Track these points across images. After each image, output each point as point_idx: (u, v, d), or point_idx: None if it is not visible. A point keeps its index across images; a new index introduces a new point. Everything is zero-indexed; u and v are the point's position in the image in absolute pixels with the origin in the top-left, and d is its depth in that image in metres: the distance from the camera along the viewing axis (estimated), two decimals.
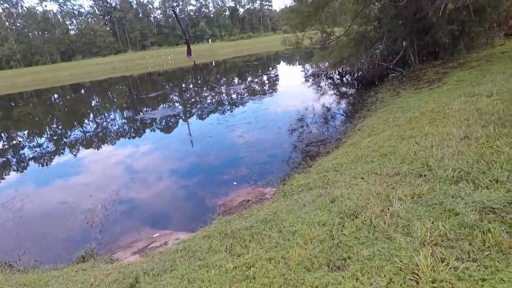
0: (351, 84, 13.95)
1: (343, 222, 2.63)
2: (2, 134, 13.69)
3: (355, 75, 13.75)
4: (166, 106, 15.05)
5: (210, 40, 75.93)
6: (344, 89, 13.71)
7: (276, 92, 14.90)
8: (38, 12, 67.55)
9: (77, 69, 47.22)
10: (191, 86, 22.15)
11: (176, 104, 15.34)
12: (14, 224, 5.26)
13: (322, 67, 16.10)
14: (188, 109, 13.73)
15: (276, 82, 18.31)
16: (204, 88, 20.03)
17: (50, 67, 54.83)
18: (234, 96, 15.03)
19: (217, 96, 15.93)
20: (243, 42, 68.77)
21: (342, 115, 9.26)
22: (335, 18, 12.22)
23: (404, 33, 10.27)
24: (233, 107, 12.49)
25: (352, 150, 4.96)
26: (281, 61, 31.52)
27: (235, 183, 5.55)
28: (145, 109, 15.06)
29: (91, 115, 16.00)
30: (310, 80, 16.16)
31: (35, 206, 5.88)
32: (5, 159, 9.58)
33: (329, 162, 4.80)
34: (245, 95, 14.75)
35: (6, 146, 11.36)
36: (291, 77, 19.01)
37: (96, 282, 2.71)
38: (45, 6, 72.41)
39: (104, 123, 13.53)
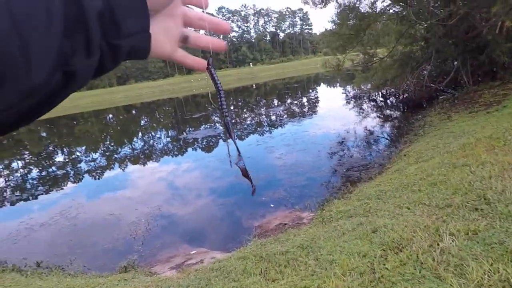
0: (396, 106, 13.39)
1: (385, 254, 2.46)
2: (65, 149, 15.22)
3: (400, 97, 13.18)
4: (208, 126, 15.67)
5: (251, 63, 78.81)
6: (388, 111, 13.19)
7: (316, 114, 14.80)
8: None
9: (130, 92, 51.57)
10: (231, 107, 22.92)
11: (217, 125, 15.90)
12: (69, 231, 5.71)
13: (364, 89, 15.73)
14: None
15: (316, 104, 18.23)
16: (244, 110, 20.57)
17: (107, 90, 60.57)
18: (273, 117, 15.21)
19: (256, 118, 16.24)
20: (284, 65, 70.25)
21: (386, 139, 8.85)
22: (378, 40, 12.00)
23: (455, 53, 9.71)
24: (272, 128, 12.61)
25: (397, 177, 4.69)
26: (321, 83, 31.45)
27: (272, 205, 5.50)
28: (188, 129, 15.82)
29: (140, 134, 17.17)
30: (352, 102, 15.84)
31: (87, 215, 6.35)
32: (65, 171, 10.57)
33: (371, 189, 4.57)
34: (284, 117, 14.84)
35: (67, 160, 12.57)
36: (331, 99, 18.82)
37: None
38: None
39: (151, 141, 14.43)
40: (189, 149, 11.52)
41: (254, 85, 39.06)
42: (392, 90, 13.88)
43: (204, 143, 12.07)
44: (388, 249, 2.52)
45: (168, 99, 36.35)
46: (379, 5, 10.88)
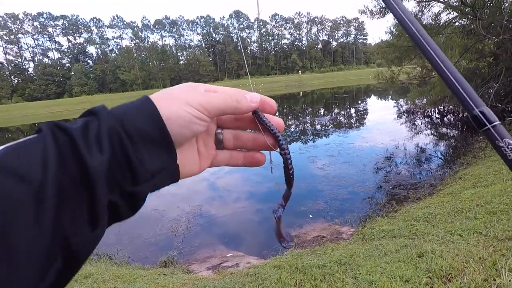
0: (454, 125, 12.37)
1: (431, 283, 2.30)
2: None
3: (460, 115, 12.17)
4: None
5: (300, 71, 78.48)
6: (444, 129, 12.23)
7: (363, 126, 14.26)
8: (158, 45, 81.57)
9: None
10: (276, 114, 23.01)
11: None
12: (115, 223, 6.19)
13: (419, 104, 14.79)
14: None
15: (365, 116, 17.55)
16: (289, 117, 20.55)
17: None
18: (318, 126, 14.98)
19: (301, 126, 16.12)
20: (333, 74, 68.92)
21: (440, 158, 8.22)
22: None
23: None
24: (317, 138, 12.42)
25: (449, 201, 4.34)
26: (372, 95, 30.22)
27: (311, 216, 5.42)
28: None
29: None
30: (404, 116, 14.98)
31: None
32: None
33: (419, 210, 4.29)
34: (330, 126, 14.54)
35: None
36: (381, 112, 17.97)
37: None
38: (164, 40, 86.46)
39: None
40: None
41: (301, 93, 38.88)
42: (451, 107, 12.88)
43: None
44: (435, 277, 2.35)
45: None
46: (444, 17, 10.15)
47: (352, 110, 20.34)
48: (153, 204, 6.88)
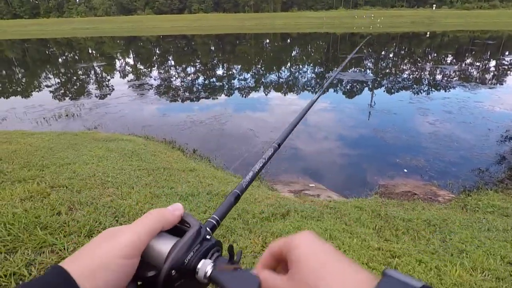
0: None
1: None
2: (225, 64, 17.56)
3: None
4: (357, 70, 14.61)
5: (434, 5, 64.28)
6: None
7: (502, 84, 11.43)
8: None
9: (289, 20, 52.07)
10: (390, 55, 20.23)
11: (368, 71, 14.60)
12: (218, 133, 6.97)
13: None
14: (379, 78, 12.83)
15: (508, 71, 13.92)
16: (405, 61, 17.85)
17: (270, 15, 63.05)
18: (439, 76, 12.69)
19: (417, 72, 13.95)
20: (480, 13, 54.37)
21: None
22: None
23: None
24: (433, 89, 10.66)
25: None
26: None
27: (405, 170, 5.02)
28: (336, 68, 15.20)
29: (288, 64, 17.75)
30: None
31: (233, 124, 7.50)
32: (221, 83, 12.40)
33: None
34: (455, 79, 12.15)
35: (224, 74, 14.58)
36: None
37: (259, 198, 3.31)
38: None
39: (296, 73, 14.78)
40: (331, 90, 11.26)
41: (428, 33, 32.59)
42: None
43: (348, 87, 11.50)
44: None
45: (325, 34, 35.08)
46: None
47: (493, 63, 16.26)
48: (249, 125, 7.41)
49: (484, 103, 8.59)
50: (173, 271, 0.32)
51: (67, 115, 8.02)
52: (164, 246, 0.34)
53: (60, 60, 19.57)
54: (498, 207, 3.27)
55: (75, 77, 13.92)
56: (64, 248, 1.87)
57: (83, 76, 14.11)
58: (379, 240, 2.46)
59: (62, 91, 11.37)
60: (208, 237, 0.37)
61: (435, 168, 5.06)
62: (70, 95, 10.66)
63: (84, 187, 2.83)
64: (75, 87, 12.15)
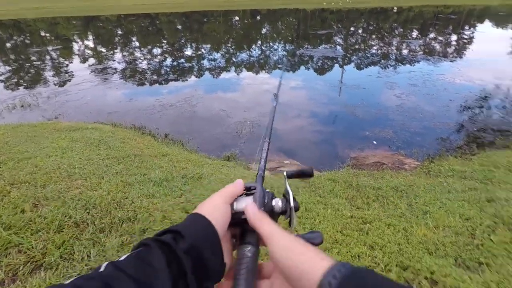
0: None
1: (495, 227, 2.19)
2: (193, 44, 16.94)
3: None
4: (328, 47, 14.72)
5: None
6: None
7: (462, 57, 12.06)
8: None
9: None
10: (359, 31, 20.49)
11: (338, 47, 14.75)
12: (189, 115, 6.82)
13: None
14: (348, 54, 13.02)
15: (468, 46, 14.65)
16: (373, 36, 18.19)
17: None
18: (405, 51, 13.13)
19: (385, 48, 14.30)
20: None
21: None
22: None
23: None
24: (400, 63, 11.02)
25: None
26: (487, 21, 24.46)
27: (374, 142, 5.24)
28: (306, 45, 15.21)
29: (259, 42, 17.47)
30: None
31: (204, 106, 7.36)
32: (190, 64, 12.02)
33: (504, 158, 3.83)
34: (419, 53, 12.62)
35: (193, 54, 14.10)
36: (493, 44, 14.74)
37: (234, 178, 3.33)
38: None
39: (267, 52, 14.62)
40: (302, 67, 11.30)
41: (395, 8, 33.21)
42: None
43: (319, 64, 11.58)
44: (500, 222, 2.22)
45: (295, 10, 34.67)
46: None
47: (454, 37, 17.02)
48: (220, 105, 7.30)
49: (446, 76, 9.04)
50: (262, 207, 0.47)
51: (22, 106, 7.43)
52: (245, 200, 0.48)
53: (8, 44, 17.84)
54: (457, 171, 3.53)
55: (28, 64, 12.75)
56: (33, 247, 1.79)
57: (38, 62, 12.98)
58: (351, 209, 2.59)
59: (15, 79, 10.39)
60: (267, 190, 0.51)
61: (402, 139, 5.32)
62: (25, 84, 9.83)
63: (49, 181, 2.69)
64: (29, 74, 11.14)
